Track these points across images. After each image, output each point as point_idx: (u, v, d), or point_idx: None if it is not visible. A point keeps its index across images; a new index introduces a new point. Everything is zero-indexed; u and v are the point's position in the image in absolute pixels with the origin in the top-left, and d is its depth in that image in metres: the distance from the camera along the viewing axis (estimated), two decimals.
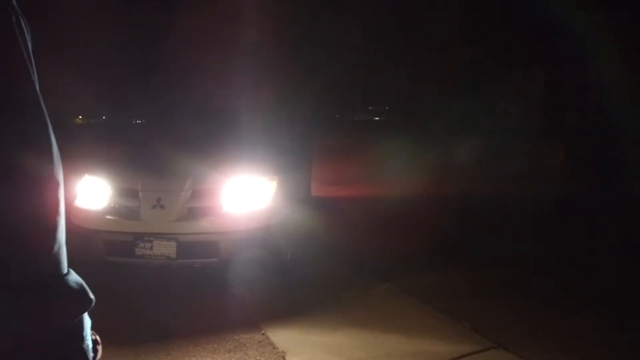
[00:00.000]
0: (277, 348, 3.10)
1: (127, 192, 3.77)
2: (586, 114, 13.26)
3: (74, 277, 0.90)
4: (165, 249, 3.60)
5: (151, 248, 3.60)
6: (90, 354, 0.95)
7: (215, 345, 3.12)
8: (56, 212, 0.81)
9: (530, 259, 4.84)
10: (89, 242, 3.67)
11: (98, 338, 1.00)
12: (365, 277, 4.36)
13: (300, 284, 3.99)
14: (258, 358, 3.00)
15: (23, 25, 0.83)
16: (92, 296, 0.98)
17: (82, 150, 5.17)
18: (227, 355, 3.02)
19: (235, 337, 3.22)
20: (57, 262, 0.85)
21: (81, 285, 0.95)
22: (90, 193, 3.84)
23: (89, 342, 0.97)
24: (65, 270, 0.88)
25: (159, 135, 4.28)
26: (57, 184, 0.79)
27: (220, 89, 4.56)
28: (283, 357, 3.00)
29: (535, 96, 14.51)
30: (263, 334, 3.28)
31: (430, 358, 3.01)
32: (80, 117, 37.98)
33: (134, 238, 3.60)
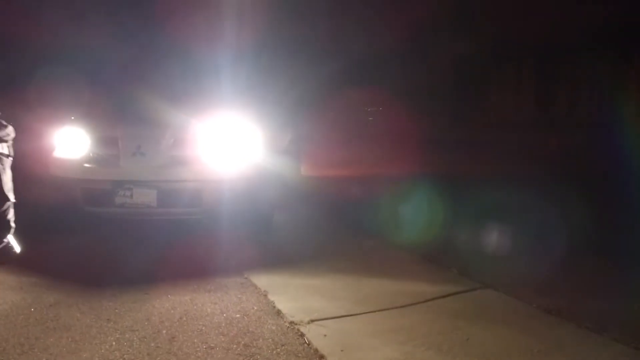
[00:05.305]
0: (259, 288, 3.02)
1: (106, 141, 3.66)
2: (577, 106, 13.29)
3: None
4: (145, 197, 3.51)
5: (131, 196, 3.50)
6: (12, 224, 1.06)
7: (195, 286, 3.03)
8: None
9: (522, 215, 4.70)
10: (68, 191, 3.57)
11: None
12: (352, 234, 4.29)
13: (285, 238, 3.91)
14: (239, 296, 2.91)
15: None
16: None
17: (60, 101, 5.08)
18: (206, 294, 2.93)
19: (217, 280, 3.13)
20: None
21: None
22: (69, 143, 3.74)
23: (11, 217, 1.06)
24: None
25: (140, 84, 4.18)
26: None
27: (207, 42, 4.45)
28: (265, 295, 2.91)
29: (526, 89, 14.54)
30: (246, 278, 3.20)
31: (415, 297, 2.93)
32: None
33: (113, 186, 3.50)
